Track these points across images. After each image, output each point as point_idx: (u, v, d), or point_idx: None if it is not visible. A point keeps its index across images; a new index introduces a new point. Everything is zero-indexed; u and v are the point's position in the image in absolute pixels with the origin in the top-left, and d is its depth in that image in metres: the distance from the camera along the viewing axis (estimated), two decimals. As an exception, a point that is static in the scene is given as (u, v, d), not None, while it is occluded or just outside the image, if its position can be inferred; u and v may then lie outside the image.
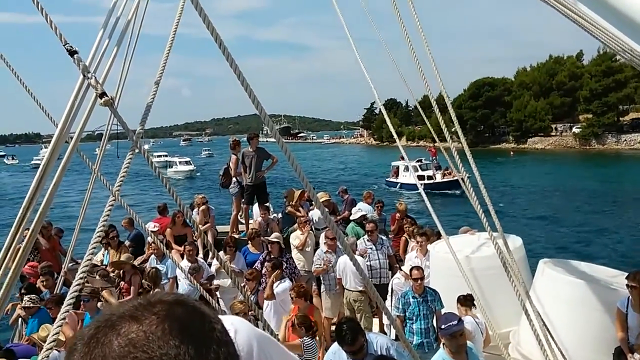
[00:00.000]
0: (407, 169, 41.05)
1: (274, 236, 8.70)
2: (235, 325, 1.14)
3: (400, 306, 6.44)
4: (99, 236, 2.49)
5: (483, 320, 5.72)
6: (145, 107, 2.87)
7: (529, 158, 69.95)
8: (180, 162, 65.35)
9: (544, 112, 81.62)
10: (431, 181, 38.04)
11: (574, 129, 79.96)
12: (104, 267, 8.79)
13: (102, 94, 2.47)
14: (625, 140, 72.69)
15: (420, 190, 6.52)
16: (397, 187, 40.02)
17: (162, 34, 3.26)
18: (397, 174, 42.00)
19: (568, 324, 5.51)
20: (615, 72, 72.66)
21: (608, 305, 5.52)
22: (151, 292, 7.53)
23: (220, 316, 0.91)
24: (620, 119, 76.77)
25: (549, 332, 4.42)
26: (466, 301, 5.96)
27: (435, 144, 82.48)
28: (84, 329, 0.84)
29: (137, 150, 2.61)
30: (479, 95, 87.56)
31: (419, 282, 6.38)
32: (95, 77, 2.55)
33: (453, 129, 5.17)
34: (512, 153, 74.12)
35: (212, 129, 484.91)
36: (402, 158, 43.12)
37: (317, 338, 6.17)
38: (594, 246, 22.30)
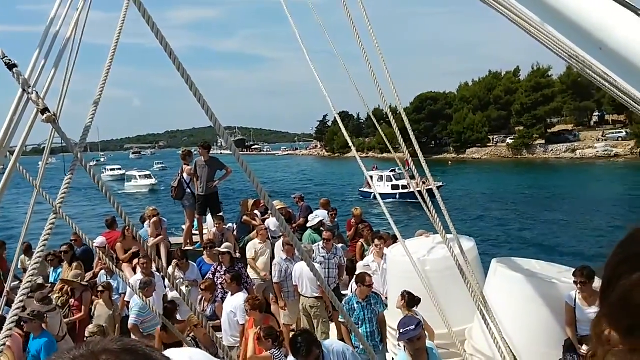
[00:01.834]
0: (381, 178, 41.38)
1: (225, 247, 8.44)
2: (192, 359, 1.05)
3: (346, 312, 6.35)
4: (39, 255, 2.30)
5: (421, 317, 5.71)
6: (83, 128, 2.72)
7: (466, 167, 72.40)
8: (140, 176, 61.66)
9: (482, 125, 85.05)
10: (406, 190, 37.54)
11: (507, 140, 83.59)
12: (49, 286, 8.29)
13: (44, 110, 2.29)
14: (552, 150, 76.66)
15: (378, 199, 6.45)
16: (372, 197, 39.19)
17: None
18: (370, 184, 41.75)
19: (520, 319, 5.55)
20: (543, 87, 77.25)
21: (557, 300, 5.59)
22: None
23: (178, 350, 0.74)
24: (548, 130, 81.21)
25: (502, 328, 4.44)
26: (410, 302, 5.89)
27: (384, 155, 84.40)
28: None
29: (78, 165, 2.50)
30: (422, 109, 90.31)
31: (370, 290, 6.32)
32: (37, 92, 2.36)
33: (400, 141, 5.20)
34: (449, 163, 76.40)
35: (166, 141, 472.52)
36: (375, 168, 43.98)
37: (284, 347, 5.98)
38: (541, 244, 23.32)
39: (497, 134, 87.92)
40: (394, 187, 39.19)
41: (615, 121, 78.98)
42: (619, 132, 72.91)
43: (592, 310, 5.40)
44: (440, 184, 39.65)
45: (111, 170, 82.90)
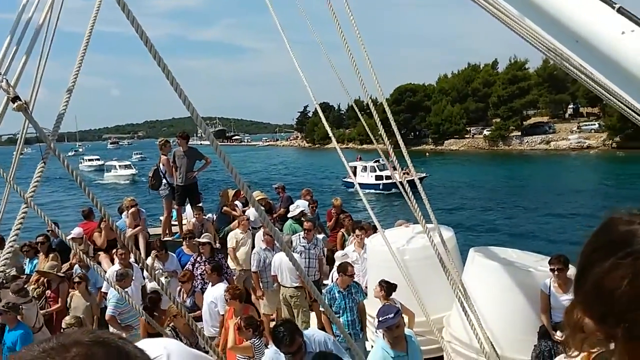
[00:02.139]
0: (364, 169, 41.41)
1: (205, 237, 8.36)
2: (168, 349, 1.05)
3: (327, 301, 6.33)
4: (11, 246, 2.24)
5: (399, 304, 5.77)
6: (57, 116, 2.68)
7: (444, 158, 73.04)
8: (120, 166, 60.11)
9: (459, 116, 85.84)
10: (390, 181, 37.57)
11: (484, 132, 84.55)
12: (23, 278, 8.10)
13: (15, 98, 2.21)
14: (527, 141, 77.93)
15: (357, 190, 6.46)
16: (354, 186, 39.21)
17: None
18: (354, 174, 41.61)
19: (497, 307, 5.64)
20: (519, 80, 78.27)
21: (533, 288, 5.69)
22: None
23: (152, 340, 0.73)
24: (524, 122, 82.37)
25: (479, 316, 4.43)
26: (388, 290, 5.93)
27: (363, 146, 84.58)
28: None
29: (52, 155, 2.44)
30: (401, 101, 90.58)
31: (351, 279, 6.34)
32: (7, 80, 2.29)
33: (379, 132, 5.22)
34: (427, 154, 76.91)
35: (145, 131, 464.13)
36: (360, 159, 43.99)
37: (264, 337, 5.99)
38: (517, 233, 23.72)
39: (474, 126, 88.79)
40: (378, 177, 39.24)
41: (589, 113, 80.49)
42: (592, 125, 74.37)
43: (567, 298, 5.49)
44: (424, 174, 40.00)
45: (89, 160, 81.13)
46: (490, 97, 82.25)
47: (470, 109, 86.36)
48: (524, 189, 40.53)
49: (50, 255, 8.58)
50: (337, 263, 7.66)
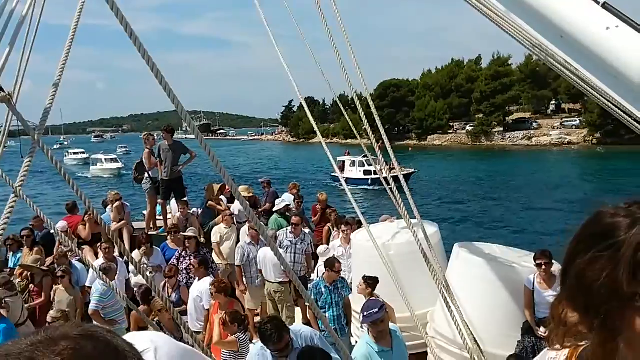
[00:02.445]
0: (353, 164, 41.28)
1: (190, 231, 8.29)
2: (155, 343, 1.02)
3: (313, 296, 6.34)
4: (0, 234, 2.21)
5: (382, 300, 5.69)
6: (43, 110, 2.63)
7: (426, 153, 72.79)
8: (106, 160, 59.28)
9: (442, 112, 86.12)
10: (377, 176, 37.64)
11: (467, 128, 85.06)
12: (7, 272, 7.94)
13: None
14: (509, 137, 78.62)
15: (342, 185, 6.45)
16: (344, 181, 38.90)
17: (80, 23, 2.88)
18: (342, 169, 40.36)
19: (481, 303, 5.64)
20: (502, 76, 78.80)
21: (517, 284, 5.70)
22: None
23: (138, 333, 0.71)
24: (507, 118, 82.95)
25: (463, 311, 4.45)
26: (373, 285, 5.93)
27: (347, 141, 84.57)
28: None
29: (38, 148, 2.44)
30: (385, 96, 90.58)
31: (338, 275, 6.33)
32: None
33: (363, 127, 5.22)
34: (410, 149, 76.96)
35: (130, 125, 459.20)
36: (348, 153, 44.01)
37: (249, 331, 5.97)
38: (499, 228, 23.79)
39: (458, 121, 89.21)
40: (366, 172, 39.23)
41: (572, 109, 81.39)
42: (574, 121, 75.14)
43: (550, 294, 5.52)
44: (412, 170, 39.61)
45: (74, 153, 79.78)
46: (473, 93, 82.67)
47: (454, 104, 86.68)
48: (506, 184, 40.74)
49: (35, 249, 8.47)
50: (320, 258, 7.67)
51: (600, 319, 0.84)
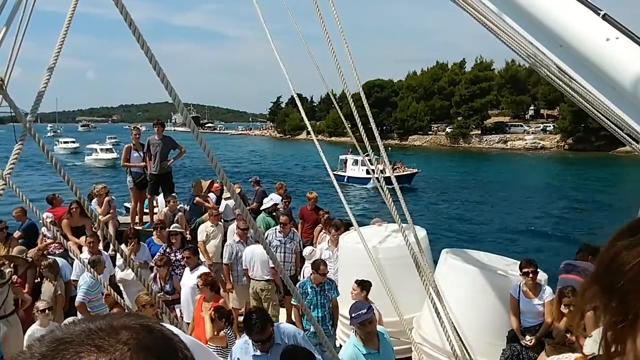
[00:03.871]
0: (355, 162, 40.59)
1: (175, 227, 8.08)
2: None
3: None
4: None
5: (374, 305, 5.71)
6: (37, 94, 2.58)
7: (405, 153, 72.56)
8: (101, 150, 58.30)
9: (424, 113, 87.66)
10: (381, 175, 36.92)
11: (447, 129, 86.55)
12: None
13: None
14: (487, 140, 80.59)
15: (334, 185, 6.42)
16: (345, 180, 38.25)
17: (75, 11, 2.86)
18: (345, 168, 40.38)
19: (467, 309, 5.63)
20: (481, 80, 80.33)
21: (503, 292, 5.68)
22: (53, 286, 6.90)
23: None
24: (485, 121, 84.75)
25: (449, 317, 4.42)
26: (367, 287, 5.89)
27: (332, 138, 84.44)
28: (29, 349, 0.61)
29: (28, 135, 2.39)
30: (369, 96, 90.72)
31: (325, 277, 6.27)
32: None
33: (354, 124, 5.22)
34: (390, 148, 77.29)
35: (120, 115, 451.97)
36: (350, 152, 43.64)
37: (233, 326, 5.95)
38: (483, 234, 23.57)
39: (440, 123, 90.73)
40: (369, 171, 39.24)
41: (549, 115, 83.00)
42: (547, 125, 77.27)
43: (536, 302, 5.52)
44: (415, 170, 39.54)
45: (64, 142, 78.19)
46: (453, 96, 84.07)
47: (436, 106, 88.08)
48: (480, 185, 41.21)
49: (11, 240, 8.24)
50: (307, 259, 7.65)
51: (620, 298, 0.85)
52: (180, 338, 0.74)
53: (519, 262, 5.78)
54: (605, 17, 1.91)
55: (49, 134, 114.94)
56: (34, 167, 45.19)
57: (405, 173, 38.89)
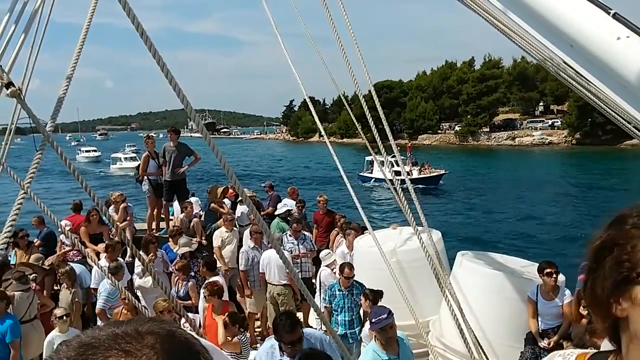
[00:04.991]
0: (382, 163, 40.35)
1: (184, 244, 8.19)
2: None
3: (327, 297, 6.28)
4: (8, 231, 2.23)
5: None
6: (56, 100, 2.64)
7: (415, 152, 72.39)
8: (125, 158, 57.11)
9: (432, 112, 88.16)
10: (408, 177, 36.44)
11: (455, 128, 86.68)
12: (14, 266, 7.88)
13: (9, 84, 2.19)
14: (495, 137, 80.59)
15: (348, 188, 6.41)
16: (371, 181, 37.93)
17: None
18: (371, 169, 39.49)
19: (484, 312, 5.54)
20: (488, 78, 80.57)
21: (520, 294, 5.58)
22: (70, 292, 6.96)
23: None
24: (493, 119, 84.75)
25: (466, 320, 4.36)
26: (373, 298, 5.79)
27: (343, 140, 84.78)
28: (57, 354, 0.63)
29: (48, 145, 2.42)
30: (378, 97, 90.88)
31: (350, 280, 6.18)
32: (1, 66, 2.26)
33: (367, 125, 5.21)
34: (399, 148, 76.79)
35: (138, 123, 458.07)
36: (376, 152, 42.94)
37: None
38: (503, 237, 22.77)
39: (449, 122, 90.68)
40: (397, 172, 38.81)
41: (559, 111, 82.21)
42: (555, 121, 76.73)
43: (555, 304, 5.40)
44: (443, 171, 38.88)
45: (86, 151, 78.75)
46: (461, 95, 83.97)
47: (445, 105, 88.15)
48: (491, 183, 40.61)
49: (32, 248, 8.34)
50: (323, 262, 7.59)
51: (609, 294, 0.88)
52: (201, 343, 0.75)
53: (535, 264, 5.66)
54: (615, 16, 1.90)
55: (72, 143, 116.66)
56: (58, 175, 45.50)
57: (432, 175, 38.29)
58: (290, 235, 7.94)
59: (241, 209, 9.91)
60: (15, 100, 2.45)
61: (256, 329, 8.27)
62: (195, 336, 0.78)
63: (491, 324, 5.57)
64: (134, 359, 0.63)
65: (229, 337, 5.57)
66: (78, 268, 7.65)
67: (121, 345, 0.64)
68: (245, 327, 5.67)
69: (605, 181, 38.03)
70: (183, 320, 2.93)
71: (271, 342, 4.49)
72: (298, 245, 7.88)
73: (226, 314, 5.73)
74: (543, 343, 5.40)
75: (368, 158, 41.41)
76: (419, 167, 38.97)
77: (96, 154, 75.07)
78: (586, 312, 5.08)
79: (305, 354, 4.11)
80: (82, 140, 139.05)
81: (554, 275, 5.36)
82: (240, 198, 10.24)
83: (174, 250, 8.29)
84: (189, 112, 2.16)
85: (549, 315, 5.45)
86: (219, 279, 6.86)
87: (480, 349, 4.38)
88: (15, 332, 5.88)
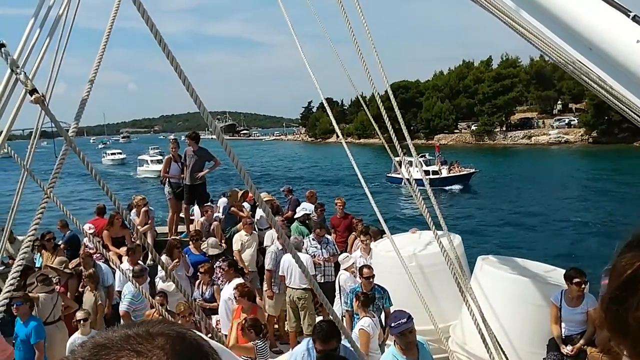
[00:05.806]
0: (411, 164, 39.98)
1: (213, 245, 8.31)
2: None
3: (349, 301, 6.21)
4: (32, 235, 2.28)
5: (377, 318, 5.73)
6: (79, 102, 2.66)
7: (432, 152, 71.68)
8: (152, 161, 56.40)
9: (449, 112, 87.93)
10: (437, 176, 35.68)
11: (472, 127, 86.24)
12: (39, 269, 7.94)
13: (33, 91, 2.23)
14: (511, 136, 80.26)
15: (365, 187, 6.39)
16: (401, 182, 36.25)
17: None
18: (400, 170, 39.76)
19: (505, 317, 5.41)
20: (504, 77, 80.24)
21: (543, 299, 5.44)
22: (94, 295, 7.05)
23: None
24: (510, 118, 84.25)
25: (487, 325, 4.24)
26: (366, 302, 5.79)
27: (360, 140, 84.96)
28: (72, 355, 0.66)
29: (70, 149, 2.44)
30: (395, 97, 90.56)
31: (371, 280, 6.12)
32: (25, 73, 2.30)
33: (384, 125, 5.18)
34: (422, 146, 76.45)
35: (161, 125, 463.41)
36: (405, 153, 42.87)
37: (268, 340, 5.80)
38: (524, 241, 22.23)
39: (466, 121, 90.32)
40: (426, 172, 38.68)
41: (578, 109, 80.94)
42: (572, 119, 75.92)
43: (578, 311, 5.25)
44: (473, 169, 38.37)
45: (112, 154, 79.53)
46: (477, 94, 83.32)
47: (462, 104, 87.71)
48: (509, 183, 39.98)
49: (58, 251, 8.50)
50: (342, 266, 7.42)
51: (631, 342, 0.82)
52: (211, 344, 0.77)
53: (558, 269, 5.56)
54: (635, 19, 1.87)
55: (99, 146, 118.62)
56: (82, 178, 46.12)
57: (463, 173, 37.81)
58: (313, 239, 7.90)
59: (260, 212, 9.98)
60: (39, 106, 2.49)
61: (276, 332, 8.29)
62: (205, 338, 0.80)
63: (512, 329, 5.42)
64: (145, 359, 0.65)
65: (244, 340, 5.55)
66: (102, 266, 7.78)
67: (133, 346, 0.66)
68: (265, 334, 5.63)
69: (625, 180, 37.34)
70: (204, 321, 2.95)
71: (308, 344, 4.52)
72: (321, 249, 7.86)
73: (244, 318, 5.74)
74: (566, 349, 5.26)
75: (396, 158, 40.77)
76: (448, 166, 38.48)
77: (121, 156, 76.08)
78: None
79: (323, 357, 4.10)
80: (108, 143, 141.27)
81: (583, 285, 5.21)
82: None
83: (195, 253, 8.31)
84: (204, 115, 2.16)
85: (573, 321, 5.32)
86: (240, 280, 6.90)
87: (503, 354, 4.29)
88: (39, 334, 5.99)
